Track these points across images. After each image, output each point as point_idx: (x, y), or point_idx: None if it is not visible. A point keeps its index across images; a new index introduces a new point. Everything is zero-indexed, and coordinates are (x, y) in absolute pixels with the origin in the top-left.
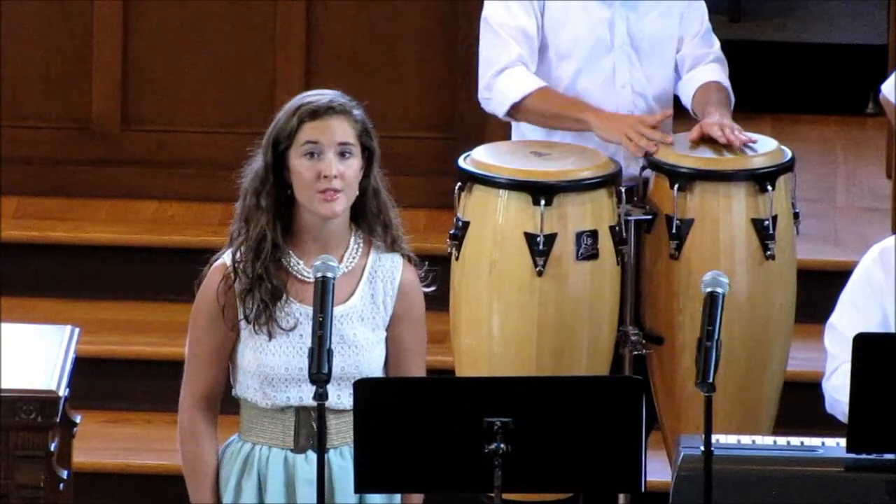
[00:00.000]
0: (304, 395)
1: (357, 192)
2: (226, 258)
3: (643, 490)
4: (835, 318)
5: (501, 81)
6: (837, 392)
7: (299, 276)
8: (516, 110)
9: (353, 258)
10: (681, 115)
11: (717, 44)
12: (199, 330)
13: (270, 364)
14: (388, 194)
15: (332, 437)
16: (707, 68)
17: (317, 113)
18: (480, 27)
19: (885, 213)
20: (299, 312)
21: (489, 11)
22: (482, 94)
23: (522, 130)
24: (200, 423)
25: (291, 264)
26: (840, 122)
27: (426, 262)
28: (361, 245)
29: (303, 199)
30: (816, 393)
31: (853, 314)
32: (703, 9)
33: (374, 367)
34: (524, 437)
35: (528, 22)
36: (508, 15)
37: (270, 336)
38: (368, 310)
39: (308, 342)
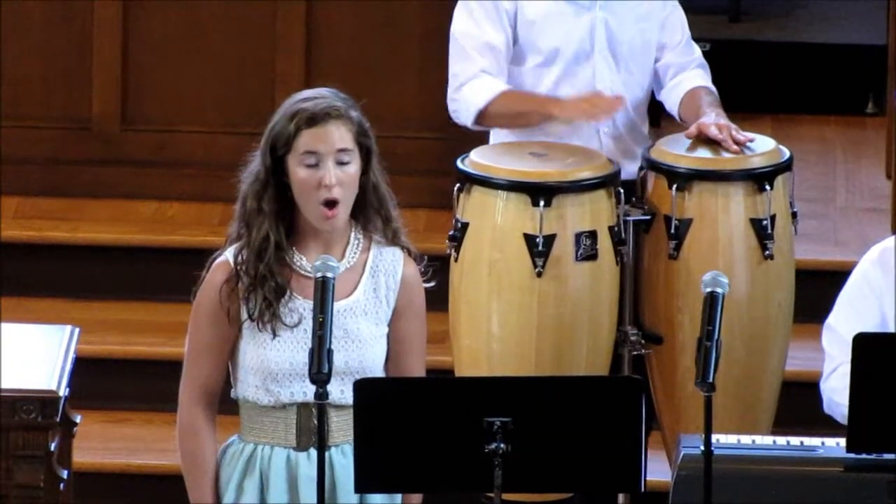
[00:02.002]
0: (308, 390)
1: (356, 191)
2: (228, 256)
3: (643, 490)
4: (832, 319)
5: (465, 91)
6: (836, 394)
7: (302, 272)
8: (482, 117)
9: (355, 253)
10: (670, 116)
11: (698, 51)
12: (200, 326)
13: (274, 360)
14: (387, 188)
15: (333, 435)
16: (692, 74)
17: (314, 120)
18: (450, 41)
19: (885, 213)
20: (303, 308)
21: (456, 24)
22: (450, 107)
23: (501, 136)
24: (200, 421)
25: (294, 260)
26: (840, 122)
27: (425, 258)
28: (362, 240)
29: (303, 207)
30: (816, 393)
31: (851, 315)
32: (683, 17)
33: (377, 361)
34: (524, 437)
35: (494, 35)
36: (475, 28)
37: (275, 333)
38: (371, 304)
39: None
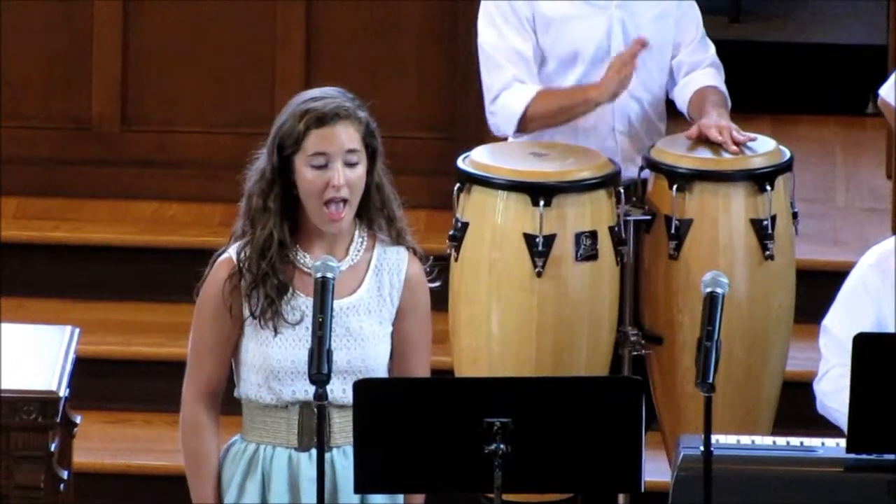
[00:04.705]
0: (310, 388)
1: (363, 192)
2: (231, 253)
3: (643, 490)
4: (828, 321)
5: (501, 102)
6: (826, 397)
7: (306, 270)
8: (524, 122)
9: (359, 251)
10: (675, 116)
11: (712, 49)
12: (203, 324)
13: (276, 357)
14: (391, 188)
15: (335, 435)
16: (703, 73)
17: (323, 120)
18: (479, 54)
19: (885, 214)
20: (305, 305)
21: (482, 37)
22: (490, 120)
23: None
24: (203, 418)
25: (297, 258)
26: (840, 122)
27: (430, 258)
28: (366, 238)
29: (309, 208)
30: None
31: (846, 317)
32: (698, 15)
33: (380, 361)
34: (524, 438)
35: (520, 42)
36: (499, 38)
37: (276, 331)
38: (375, 302)
39: None
